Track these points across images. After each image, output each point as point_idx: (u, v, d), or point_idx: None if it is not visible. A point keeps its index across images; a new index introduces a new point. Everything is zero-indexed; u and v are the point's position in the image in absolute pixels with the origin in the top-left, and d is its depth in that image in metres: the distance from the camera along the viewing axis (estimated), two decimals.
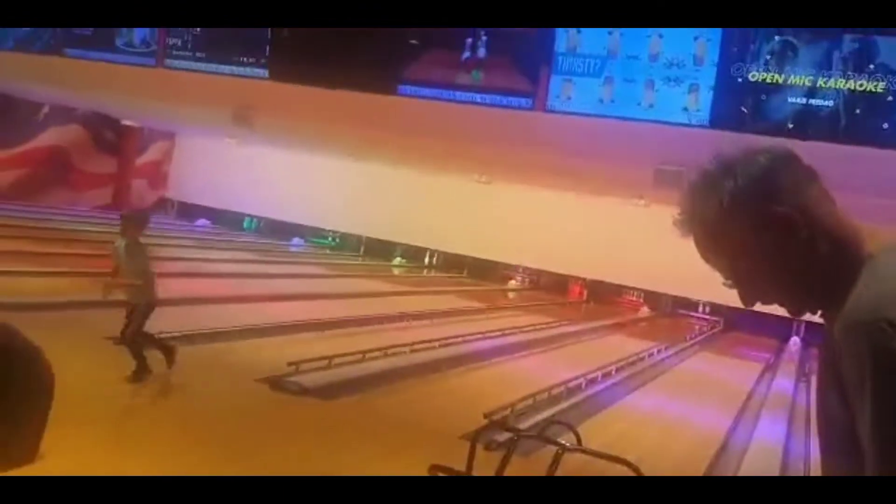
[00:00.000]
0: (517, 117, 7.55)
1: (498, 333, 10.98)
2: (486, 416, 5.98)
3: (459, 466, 2.88)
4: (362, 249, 21.04)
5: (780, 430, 7.75)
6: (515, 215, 18.77)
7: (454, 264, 20.11)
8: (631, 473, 2.87)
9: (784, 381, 11.11)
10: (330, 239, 21.76)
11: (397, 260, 20.76)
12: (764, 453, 6.67)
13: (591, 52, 5.36)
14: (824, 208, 1.30)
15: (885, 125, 4.82)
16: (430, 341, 9.14)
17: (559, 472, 2.79)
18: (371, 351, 7.85)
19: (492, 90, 5.78)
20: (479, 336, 10.38)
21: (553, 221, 18.45)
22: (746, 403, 9.02)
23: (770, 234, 1.28)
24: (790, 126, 4.99)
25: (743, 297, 1.34)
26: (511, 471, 2.98)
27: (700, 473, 5.79)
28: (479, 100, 5.80)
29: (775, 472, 6.11)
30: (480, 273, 19.54)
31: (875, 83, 4.82)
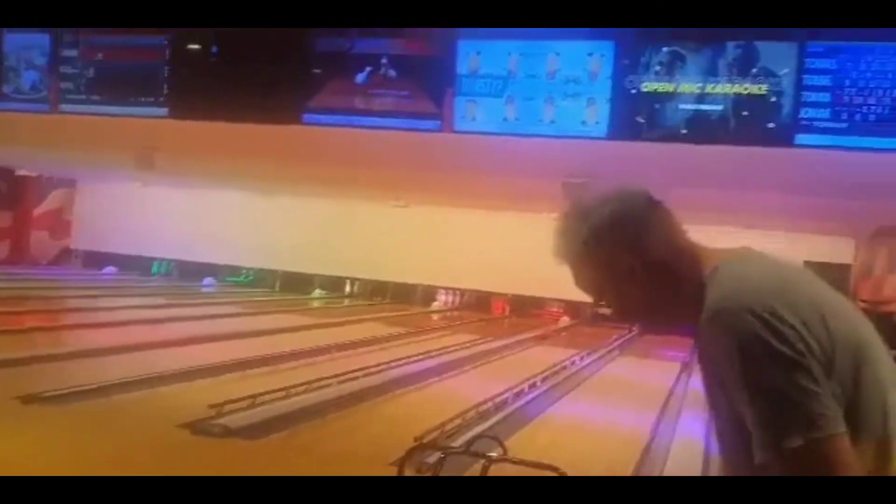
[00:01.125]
0: (428, 140, 7.64)
1: (425, 356, 10.98)
2: (416, 439, 5.98)
3: None
4: (278, 284, 20.72)
5: (700, 427, 8.00)
6: (434, 237, 18.89)
7: (376, 291, 20.02)
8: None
9: (700, 379, 11.44)
10: (243, 276, 21.35)
11: (316, 292, 20.54)
12: (686, 450, 6.87)
13: (491, 73, 5.49)
14: (664, 244, 1.47)
15: (771, 124, 5.10)
16: (356, 370, 9.07)
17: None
18: (296, 386, 7.74)
19: (399, 114, 5.85)
20: (406, 360, 10.36)
21: (472, 240, 18.64)
22: (667, 402, 9.28)
23: (616, 274, 1.47)
24: (684, 131, 5.22)
25: (614, 316, 1.57)
26: None
27: (627, 474, 5.93)
28: (387, 124, 5.85)
29: (698, 468, 6.30)
30: (404, 297, 19.52)
31: (759, 86, 5.10)
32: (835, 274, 17.83)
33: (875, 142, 4.97)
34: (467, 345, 12.85)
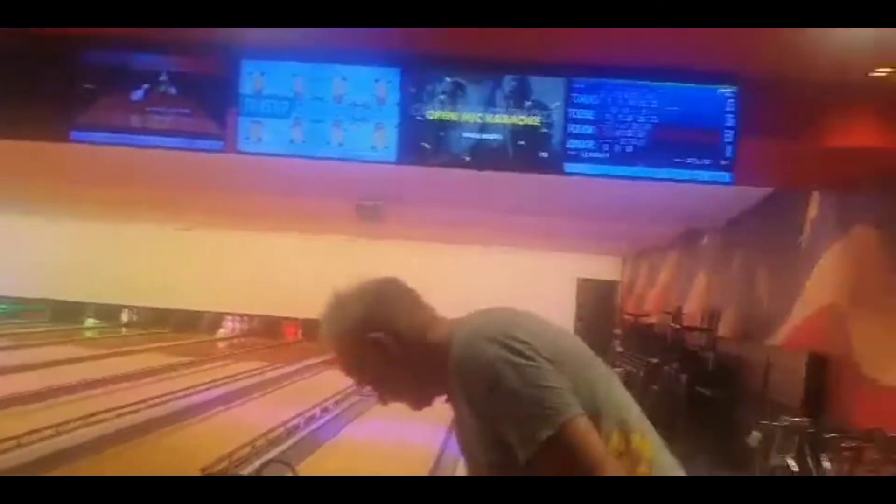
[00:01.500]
0: (212, 161, 7.40)
1: (211, 385, 10.59)
2: (203, 470, 5.76)
3: None
4: (48, 314, 19.05)
5: None
6: (221, 261, 18.27)
7: (158, 319, 18.99)
8: None
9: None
10: (4, 306, 19.37)
11: (89, 321, 19.13)
12: None
13: (277, 94, 5.43)
14: (414, 321, 1.62)
15: (544, 154, 5.46)
16: (136, 403, 8.57)
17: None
18: (68, 423, 7.18)
19: (180, 133, 5.62)
20: (192, 390, 9.94)
21: (261, 264, 18.23)
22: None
23: (373, 356, 1.59)
24: (467, 158, 5.46)
25: (379, 399, 1.69)
26: None
27: None
28: (167, 143, 5.60)
29: None
30: (188, 325, 18.66)
31: (532, 118, 5.45)
32: (605, 290, 19.35)
33: (633, 171, 5.47)
34: (257, 371, 12.54)
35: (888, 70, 4.65)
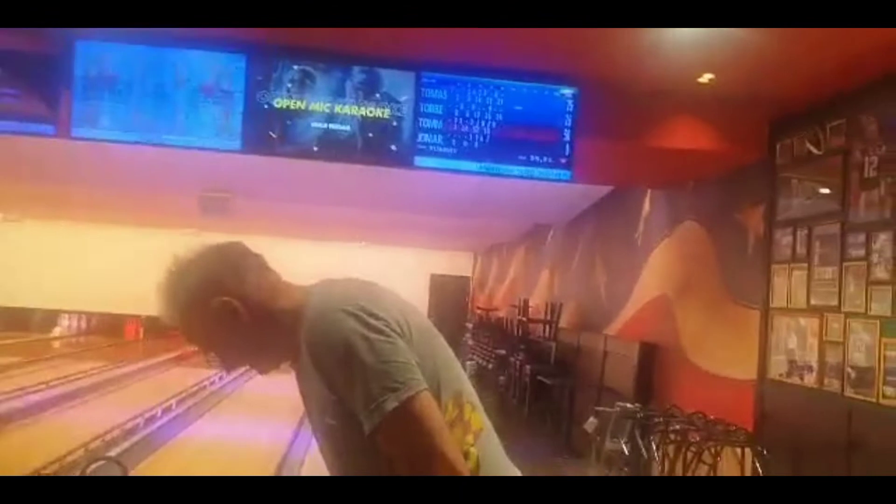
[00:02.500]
0: (45, 147, 6.94)
1: (45, 386, 9.95)
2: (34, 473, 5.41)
3: None
4: None
5: None
6: (54, 256, 17.16)
7: None
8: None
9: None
10: None
11: None
12: (319, 459, 7.08)
13: (114, 77, 5.16)
14: (261, 285, 1.61)
15: (394, 147, 5.49)
16: None
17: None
18: None
19: (6, 116, 5.23)
20: (22, 392, 9.30)
21: (99, 259, 17.28)
22: (304, 414, 9.48)
23: (219, 321, 1.57)
24: (315, 149, 5.40)
25: (222, 366, 1.67)
26: None
27: None
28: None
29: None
30: (18, 324, 17.38)
31: (382, 110, 5.46)
32: (457, 285, 19.74)
33: (479, 166, 5.61)
34: (95, 371, 11.89)
35: (711, 77, 5.01)
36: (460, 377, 1.64)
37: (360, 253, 18.03)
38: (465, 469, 1.48)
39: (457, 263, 19.27)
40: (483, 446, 1.60)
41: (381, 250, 18.14)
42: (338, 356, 1.47)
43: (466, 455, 1.53)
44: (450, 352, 1.67)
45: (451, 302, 19.07)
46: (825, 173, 4.92)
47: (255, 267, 1.63)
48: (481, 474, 1.55)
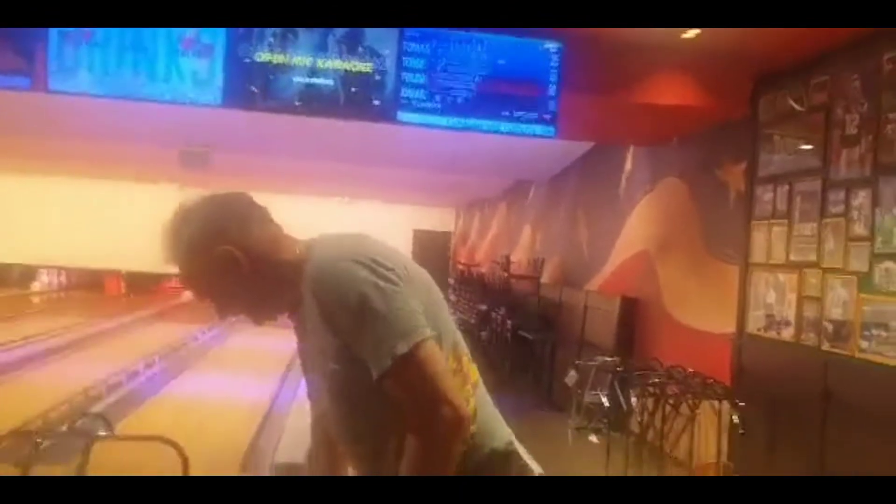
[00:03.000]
0: (17, 99, 6.80)
1: (24, 342, 9.91)
2: (12, 433, 5.41)
3: None
4: None
5: None
6: (32, 210, 16.96)
7: None
8: (174, 452, 2.89)
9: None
10: None
11: None
12: (306, 408, 7.14)
13: (94, 30, 5.06)
14: (264, 237, 1.64)
15: (377, 101, 5.44)
16: None
17: (91, 465, 2.68)
18: None
19: None
20: (1, 347, 9.26)
21: (78, 213, 17.11)
22: (289, 367, 9.53)
23: (221, 269, 1.59)
24: (297, 103, 5.34)
25: (218, 313, 1.68)
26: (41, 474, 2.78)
27: (246, 445, 6.00)
28: None
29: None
30: None
31: (365, 64, 5.40)
32: (439, 240, 19.76)
33: (463, 122, 5.58)
34: (75, 327, 11.84)
35: (696, 31, 4.98)
36: (455, 329, 1.70)
37: (343, 208, 17.98)
38: (468, 414, 1.53)
39: (439, 219, 19.27)
40: (479, 397, 1.67)
41: (363, 206, 18.09)
42: (350, 304, 1.50)
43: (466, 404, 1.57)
44: (445, 304, 1.73)
45: (433, 257, 19.10)
46: (807, 130, 4.95)
47: (259, 218, 1.65)
48: (476, 426, 1.60)
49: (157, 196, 16.90)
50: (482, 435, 1.62)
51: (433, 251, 19.10)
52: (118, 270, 18.16)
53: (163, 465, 3.86)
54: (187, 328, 12.27)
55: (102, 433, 2.94)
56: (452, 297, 15.74)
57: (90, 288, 17.79)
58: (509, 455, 1.66)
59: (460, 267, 16.91)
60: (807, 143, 4.96)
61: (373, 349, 1.50)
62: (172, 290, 18.18)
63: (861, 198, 4.34)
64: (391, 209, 18.09)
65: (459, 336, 1.70)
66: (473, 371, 1.68)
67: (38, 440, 2.90)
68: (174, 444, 2.76)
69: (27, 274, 18.13)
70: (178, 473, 2.94)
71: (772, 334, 5.10)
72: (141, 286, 17.84)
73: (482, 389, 1.69)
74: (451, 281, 17.28)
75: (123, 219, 17.03)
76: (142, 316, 13.89)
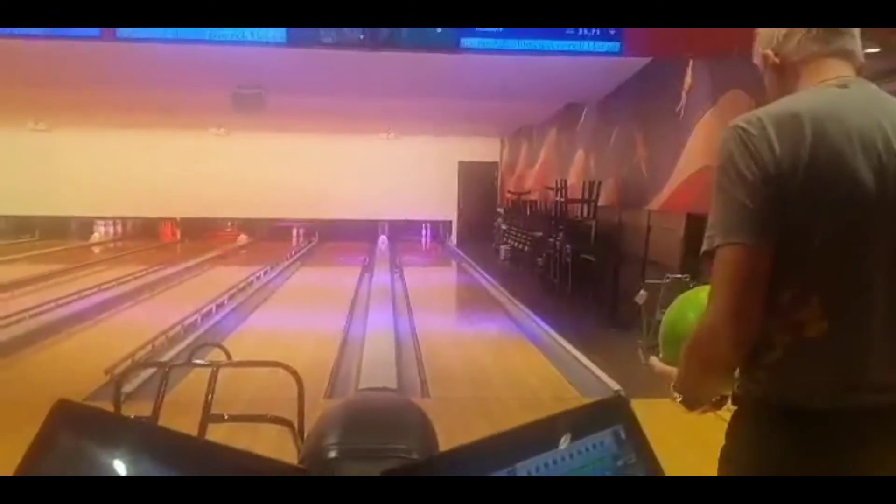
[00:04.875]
0: (79, 53, 6.89)
1: (93, 290, 10.24)
2: (107, 371, 5.67)
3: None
4: None
5: (388, 317, 8.58)
6: (86, 163, 17.28)
7: (22, 228, 17.97)
8: (278, 371, 3.00)
9: (382, 276, 12.19)
10: None
11: None
12: (379, 339, 7.35)
13: None
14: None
15: (439, 30, 5.44)
16: (16, 314, 8.21)
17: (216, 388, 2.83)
18: None
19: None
20: (73, 297, 9.58)
21: (131, 163, 17.40)
22: (354, 302, 9.74)
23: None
24: (361, 37, 5.36)
25: None
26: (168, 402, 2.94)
27: (330, 367, 6.22)
28: (37, 33, 5.18)
29: (392, 352, 6.80)
30: (57, 232, 17.72)
31: None
32: (486, 171, 19.71)
33: (526, 44, 5.54)
34: (139, 274, 12.18)
35: None
36: None
37: (388, 144, 17.99)
38: None
39: (483, 149, 19.18)
40: None
41: (407, 140, 18.08)
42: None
43: None
44: None
45: (480, 188, 19.11)
46: (878, 32, 4.80)
47: None
48: None
49: (203, 142, 17.13)
50: None
51: (480, 182, 19.09)
52: (172, 217, 18.51)
53: (269, 392, 4.02)
54: (248, 270, 12.55)
55: (223, 361, 3.09)
56: (503, 227, 15.79)
57: (146, 236, 18.19)
58: None
59: (509, 196, 16.90)
60: (879, 46, 4.83)
61: (708, 225, 1.43)
62: (228, 235, 18.54)
63: None
64: (434, 142, 18.05)
65: None
66: None
67: (167, 368, 3.05)
68: (291, 370, 2.89)
69: (86, 225, 18.57)
70: (283, 395, 3.07)
71: None
72: (196, 232, 18.20)
73: None
74: (500, 210, 17.31)
75: (173, 166, 17.28)
76: (200, 261, 14.21)
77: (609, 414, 1.02)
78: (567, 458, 0.96)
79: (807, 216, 1.35)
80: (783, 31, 1.54)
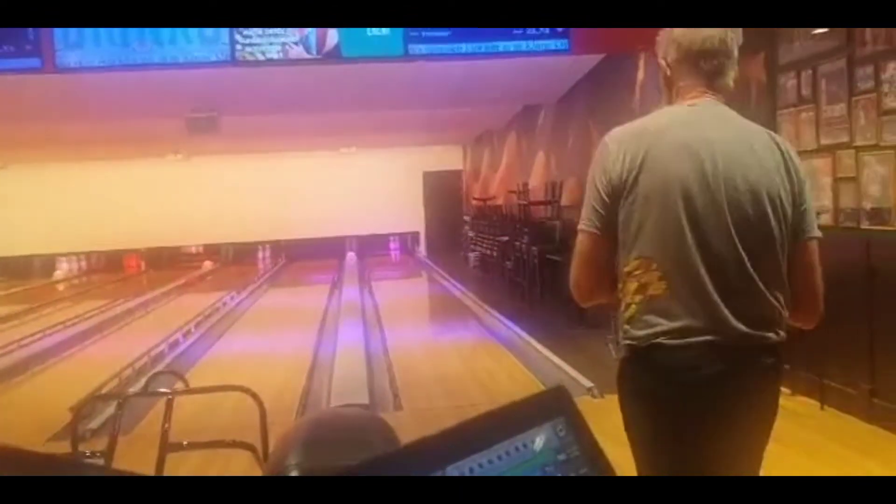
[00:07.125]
0: (20, 85, 6.74)
1: (58, 328, 10.03)
2: (71, 409, 5.51)
3: None
4: None
5: (358, 333, 8.49)
6: (40, 199, 16.99)
7: None
8: (247, 397, 2.94)
9: (351, 292, 12.09)
10: None
11: None
12: (349, 356, 7.26)
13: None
14: None
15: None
16: None
17: (173, 420, 2.74)
18: None
19: None
20: (37, 335, 9.38)
21: (90, 196, 17.15)
22: (324, 320, 9.64)
23: None
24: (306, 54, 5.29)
25: None
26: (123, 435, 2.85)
27: (299, 391, 6.11)
28: None
29: (363, 368, 6.72)
30: (20, 272, 17.32)
31: None
32: (450, 179, 19.68)
33: (475, 46, 5.49)
34: (105, 308, 11.97)
35: None
36: None
37: (350, 159, 17.91)
38: None
39: (446, 158, 19.16)
40: None
41: (369, 154, 18.02)
42: None
43: None
44: None
45: (446, 197, 19.09)
46: None
47: None
48: None
49: (162, 169, 16.92)
50: None
51: (445, 191, 19.07)
52: (136, 248, 18.27)
53: (239, 417, 3.93)
54: (215, 296, 12.38)
55: (178, 389, 3.00)
56: (471, 233, 15.77)
57: (111, 269, 17.92)
58: None
59: (475, 202, 16.89)
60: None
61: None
62: (192, 262, 18.31)
63: (892, 70, 4.28)
64: (396, 154, 18.01)
65: None
66: None
67: (121, 400, 2.96)
68: (252, 393, 2.81)
69: (48, 263, 18.25)
70: (254, 421, 3.00)
71: None
72: (161, 261, 17.96)
73: None
74: (467, 218, 17.30)
75: (133, 196, 17.06)
76: (165, 290, 14.01)
77: (549, 407, 0.98)
78: (504, 455, 0.91)
79: (642, 206, 1.80)
80: (672, 48, 2.01)
